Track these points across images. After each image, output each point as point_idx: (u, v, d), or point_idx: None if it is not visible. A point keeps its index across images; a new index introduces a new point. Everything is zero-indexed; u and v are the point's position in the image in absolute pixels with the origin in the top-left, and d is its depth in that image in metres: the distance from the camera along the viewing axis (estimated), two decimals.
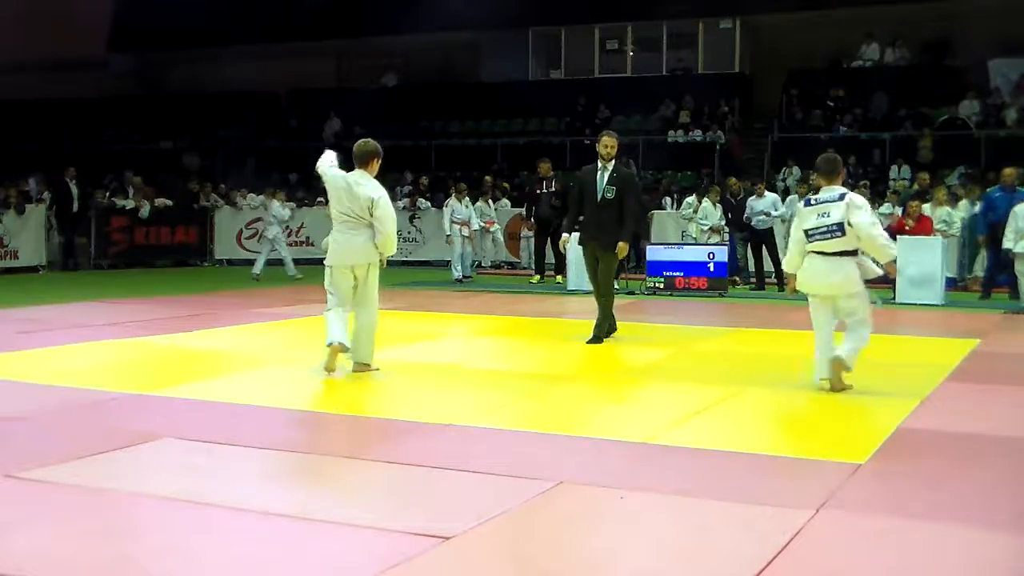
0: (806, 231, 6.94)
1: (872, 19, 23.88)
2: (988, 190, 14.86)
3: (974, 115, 22.03)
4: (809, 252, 6.95)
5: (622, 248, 9.25)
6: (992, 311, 12.46)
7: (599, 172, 9.33)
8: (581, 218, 9.56)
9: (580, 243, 9.52)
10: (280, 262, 17.13)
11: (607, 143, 9.33)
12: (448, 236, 16.88)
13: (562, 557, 3.81)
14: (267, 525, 4.05)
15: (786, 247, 7.56)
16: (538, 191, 16.69)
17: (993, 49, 22.43)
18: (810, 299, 7.06)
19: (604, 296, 9.46)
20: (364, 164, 7.57)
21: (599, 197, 9.24)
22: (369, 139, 7.83)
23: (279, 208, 17.29)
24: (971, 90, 22.33)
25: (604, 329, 9.35)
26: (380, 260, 7.62)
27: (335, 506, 4.35)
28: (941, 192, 15.38)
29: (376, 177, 7.71)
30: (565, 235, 9.63)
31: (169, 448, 5.26)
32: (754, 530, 4.02)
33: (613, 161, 9.34)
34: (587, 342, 9.18)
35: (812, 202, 7.02)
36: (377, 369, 7.57)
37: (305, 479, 4.76)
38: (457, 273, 16.59)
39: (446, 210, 17.13)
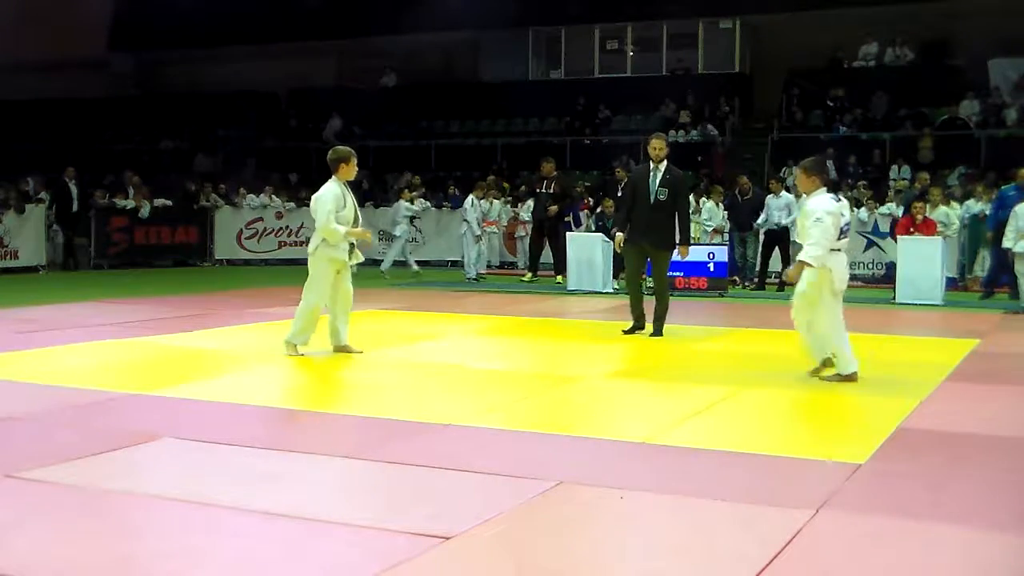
0: (841, 228, 7.02)
1: (872, 19, 23.87)
2: (1002, 187, 14.79)
3: (974, 115, 22.02)
4: (832, 250, 7.03)
5: (684, 251, 9.51)
6: (992, 311, 12.46)
7: (651, 173, 9.49)
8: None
9: (629, 242, 9.63)
10: (403, 262, 17.45)
11: (655, 145, 9.52)
12: (478, 236, 16.90)
13: (562, 557, 3.81)
14: (267, 525, 4.05)
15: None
16: (537, 190, 16.68)
17: (993, 49, 22.42)
18: (829, 297, 7.10)
19: (659, 293, 9.73)
20: (333, 171, 8.16)
21: (652, 198, 9.41)
22: (338, 146, 8.46)
23: (407, 205, 17.28)
24: (971, 90, 22.32)
25: (663, 321, 9.67)
26: (311, 252, 8.17)
27: (335, 506, 4.35)
28: (937, 192, 15.37)
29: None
30: (620, 235, 9.77)
31: (169, 448, 5.26)
32: (754, 530, 4.02)
33: (664, 162, 9.47)
34: (651, 335, 9.59)
35: (837, 200, 7.13)
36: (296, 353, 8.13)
37: (305, 479, 4.76)
38: (471, 272, 16.59)
39: (472, 209, 17.07)
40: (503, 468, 4.86)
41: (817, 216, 6.98)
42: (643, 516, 4.29)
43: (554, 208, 16.20)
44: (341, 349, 8.27)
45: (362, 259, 8.52)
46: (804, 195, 7.42)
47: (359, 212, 8.35)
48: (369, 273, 15.92)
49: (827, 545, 3.92)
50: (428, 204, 20.79)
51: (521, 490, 4.48)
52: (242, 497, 4.40)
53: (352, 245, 8.23)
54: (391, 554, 3.68)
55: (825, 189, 7.18)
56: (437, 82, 27.61)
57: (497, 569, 3.71)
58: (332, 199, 8.00)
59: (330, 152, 8.26)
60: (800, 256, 7.12)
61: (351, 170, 8.15)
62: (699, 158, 22.66)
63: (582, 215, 18.43)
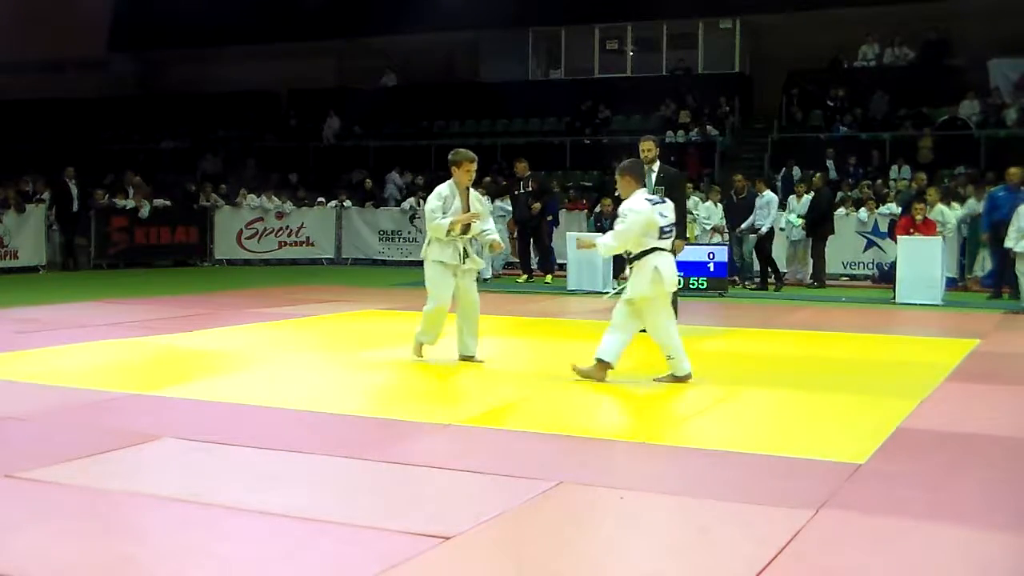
0: (662, 228, 6.99)
1: (872, 19, 23.88)
2: (992, 189, 14.85)
3: (974, 115, 22.02)
4: (656, 249, 7.00)
5: (679, 246, 9.49)
6: (992, 311, 12.46)
7: (646, 175, 9.56)
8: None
9: None
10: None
11: (645, 147, 9.69)
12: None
13: (562, 557, 3.81)
14: (267, 525, 4.05)
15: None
16: (515, 192, 16.65)
17: (993, 49, 22.42)
18: (653, 299, 7.06)
19: None
20: (452, 174, 7.99)
21: None
22: (459, 148, 8.22)
23: (501, 205, 17.26)
24: (971, 90, 22.31)
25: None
26: (432, 258, 7.89)
27: (335, 506, 4.35)
28: (933, 192, 15.39)
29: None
30: None
31: (169, 448, 5.26)
32: (754, 530, 4.02)
33: (657, 163, 9.63)
34: None
35: (653, 202, 7.11)
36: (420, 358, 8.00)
37: (305, 479, 4.76)
38: (487, 273, 16.59)
39: None
40: (503, 468, 4.86)
41: (623, 213, 7.03)
42: (643, 516, 4.28)
43: (537, 205, 16.22)
44: (466, 359, 8.04)
45: (482, 264, 8.19)
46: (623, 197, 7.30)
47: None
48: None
49: (827, 545, 3.92)
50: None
51: (521, 490, 4.48)
52: (242, 497, 4.40)
53: (465, 250, 7.90)
54: (391, 554, 3.68)
55: (643, 190, 7.21)
56: (437, 82, 27.59)
57: (497, 569, 3.71)
58: (435, 198, 7.87)
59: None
60: (598, 240, 7.23)
61: (463, 174, 7.89)
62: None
63: (574, 214, 18.46)
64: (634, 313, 7.15)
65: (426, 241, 7.98)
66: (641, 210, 6.96)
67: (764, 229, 15.37)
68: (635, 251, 7.04)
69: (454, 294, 7.92)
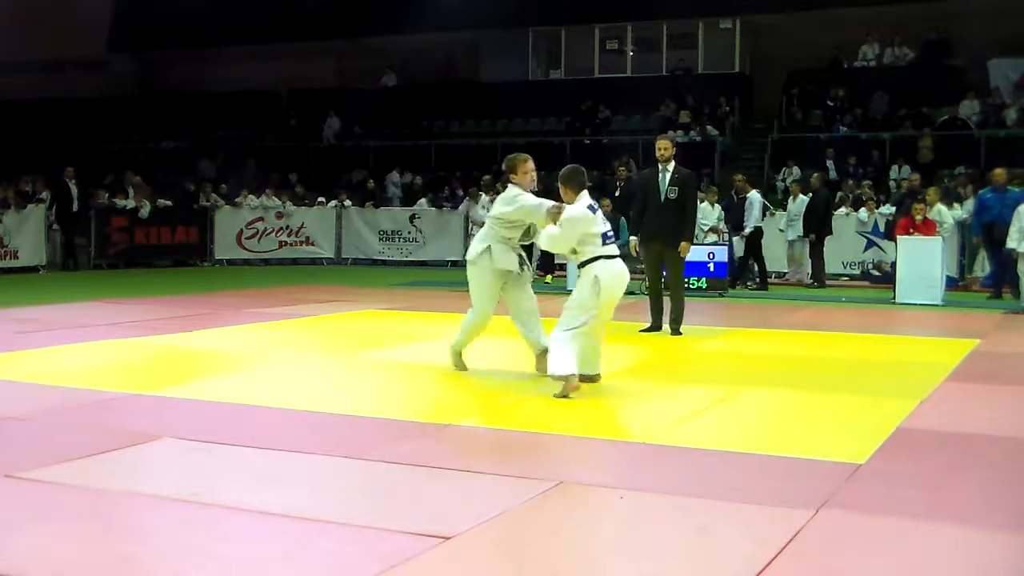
0: (604, 234, 6.85)
1: (872, 19, 23.90)
2: (980, 191, 14.91)
3: (974, 115, 22.03)
4: (600, 257, 6.82)
5: (685, 247, 9.53)
6: (992, 311, 12.46)
7: (660, 174, 9.70)
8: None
9: (643, 242, 9.78)
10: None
11: (662, 146, 9.75)
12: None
13: (562, 557, 3.80)
14: (267, 525, 4.05)
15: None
16: None
17: (993, 49, 22.44)
18: (599, 306, 6.82)
19: (674, 292, 9.83)
20: (511, 176, 7.68)
21: (662, 198, 9.61)
22: (512, 154, 7.85)
23: (479, 210, 17.10)
24: (971, 90, 22.34)
25: (681, 322, 9.82)
26: (472, 260, 7.60)
27: (335, 506, 4.35)
28: (932, 192, 15.41)
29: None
30: (633, 239, 9.93)
31: (169, 448, 5.26)
32: (754, 530, 4.02)
33: (672, 162, 9.66)
34: (672, 333, 9.74)
35: (594, 209, 6.99)
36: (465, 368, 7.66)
37: (305, 479, 4.76)
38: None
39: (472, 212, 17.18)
40: (503, 468, 4.86)
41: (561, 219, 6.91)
42: (643, 516, 4.28)
43: None
44: (544, 352, 7.33)
45: (531, 277, 7.87)
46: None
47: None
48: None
49: (827, 545, 3.91)
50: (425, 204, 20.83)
51: (521, 490, 4.48)
52: (242, 497, 4.40)
53: (521, 256, 7.63)
54: (391, 554, 3.68)
55: (585, 195, 7.01)
56: (437, 82, 27.62)
57: (497, 569, 3.71)
58: (520, 194, 7.44)
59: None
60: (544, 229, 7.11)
61: (523, 176, 7.54)
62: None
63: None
64: (598, 318, 6.97)
65: (483, 244, 7.51)
66: (575, 215, 6.85)
67: (748, 229, 15.41)
68: (579, 259, 6.90)
69: (511, 303, 7.57)
